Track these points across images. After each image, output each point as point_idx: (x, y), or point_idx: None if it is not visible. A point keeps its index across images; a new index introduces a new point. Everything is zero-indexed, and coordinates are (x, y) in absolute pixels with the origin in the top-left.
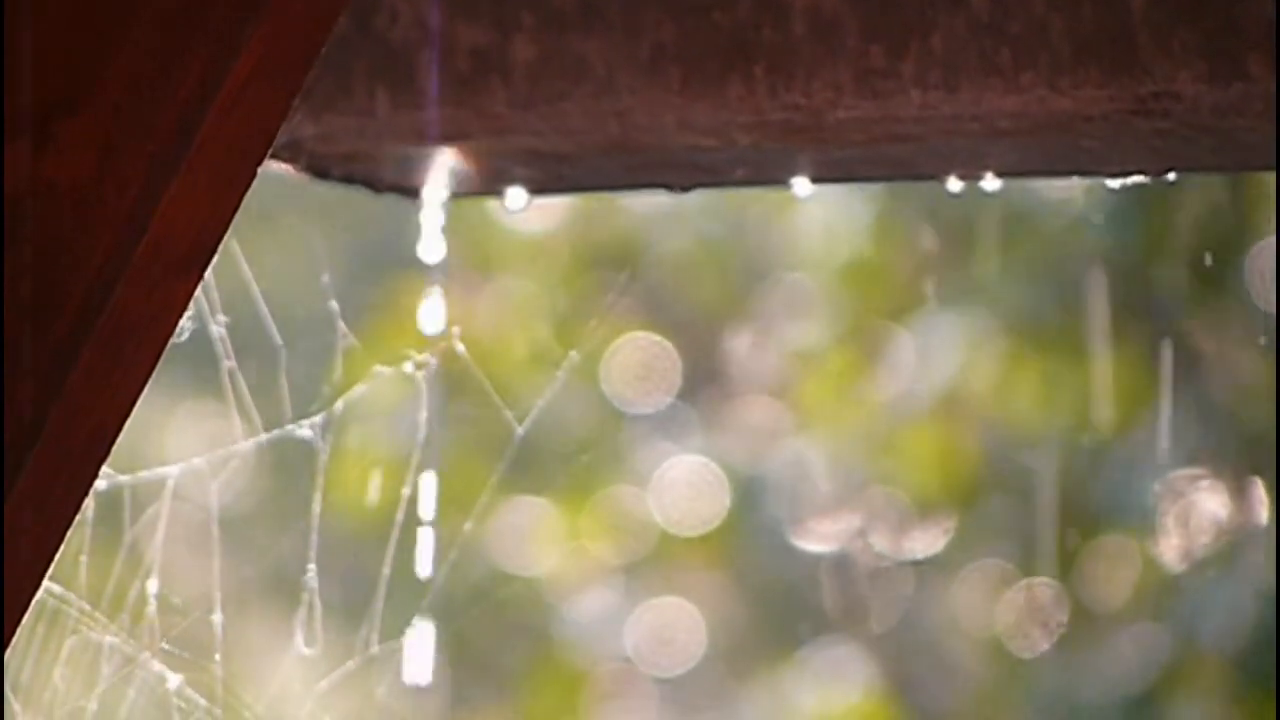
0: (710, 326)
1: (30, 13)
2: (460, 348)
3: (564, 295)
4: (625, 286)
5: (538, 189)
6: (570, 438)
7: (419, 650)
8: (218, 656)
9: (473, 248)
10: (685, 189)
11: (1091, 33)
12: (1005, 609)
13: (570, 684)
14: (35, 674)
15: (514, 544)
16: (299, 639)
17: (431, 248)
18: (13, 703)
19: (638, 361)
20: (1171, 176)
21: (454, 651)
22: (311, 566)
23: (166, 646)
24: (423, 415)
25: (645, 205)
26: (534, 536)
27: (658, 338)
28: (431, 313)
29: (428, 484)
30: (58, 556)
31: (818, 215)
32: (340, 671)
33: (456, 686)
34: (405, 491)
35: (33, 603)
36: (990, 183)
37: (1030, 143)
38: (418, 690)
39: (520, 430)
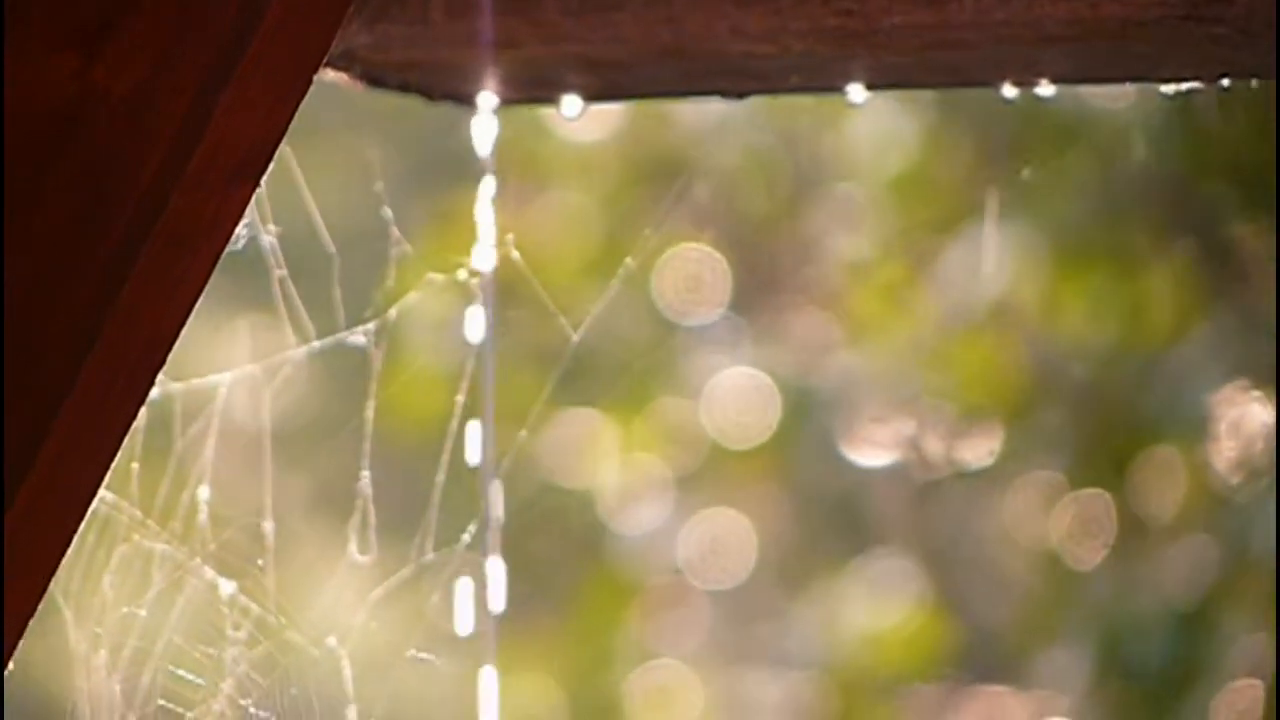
0: (761, 238)
1: None
2: (515, 254)
3: (615, 206)
4: (680, 196)
5: (592, 96)
6: (622, 350)
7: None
8: (270, 564)
9: (524, 158)
10: (739, 96)
11: None
12: (1056, 521)
13: (622, 596)
14: (85, 582)
15: (566, 456)
16: (352, 547)
17: (485, 156)
18: (63, 610)
19: (688, 273)
20: (1224, 83)
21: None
22: (365, 474)
23: (218, 554)
24: (476, 323)
25: (696, 116)
26: (585, 449)
27: (708, 249)
28: (485, 220)
29: (482, 391)
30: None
31: (867, 127)
32: (394, 579)
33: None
34: (459, 399)
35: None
36: (1043, 89)
37: (1082, 49)
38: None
39: (575, 337)
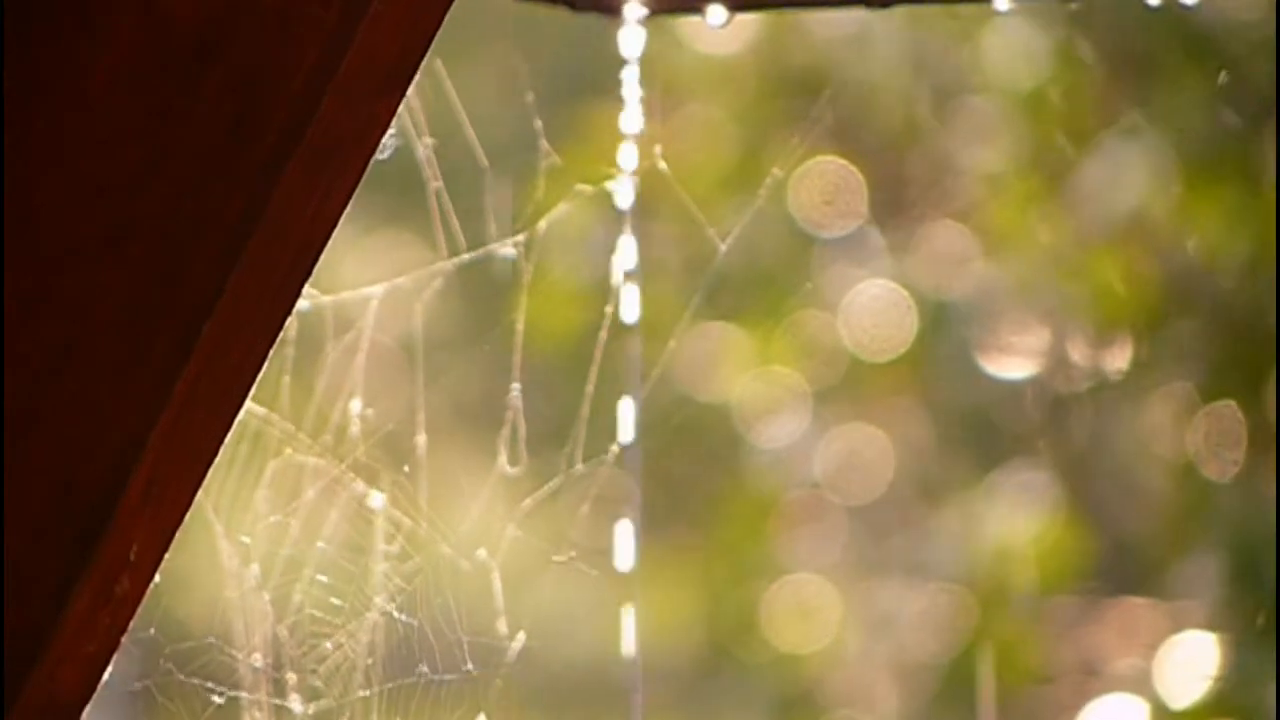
0: (896, 151)
1: None
2: (662, 165)
3: (753, 120)
4: (825, 108)
5: (737, 5)
6: (760, 262)
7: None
8: (421, 476)
9: (666, 71)
10: (883, 5)
11: None
12: (1193, 433)
13: (760, 510)
14: (237, 496)
15: (704, 370)
16: (502, 458)
17: (631, 68)
18: (214, 523)
19: (825, 186)
20: None
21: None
22: (515, 385)
23: (369, 465)
24: (625, 233)
25: (831, 31)
26: (724, 362)
27: (844, 162)
28: (632, 132)
29: (630, 302)
30: (260, 376)
31: (1000, 41)
32: (543, 491)
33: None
34: (608, 310)
35: (235, 423)
36: None
37: None
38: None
39: (723, 248)
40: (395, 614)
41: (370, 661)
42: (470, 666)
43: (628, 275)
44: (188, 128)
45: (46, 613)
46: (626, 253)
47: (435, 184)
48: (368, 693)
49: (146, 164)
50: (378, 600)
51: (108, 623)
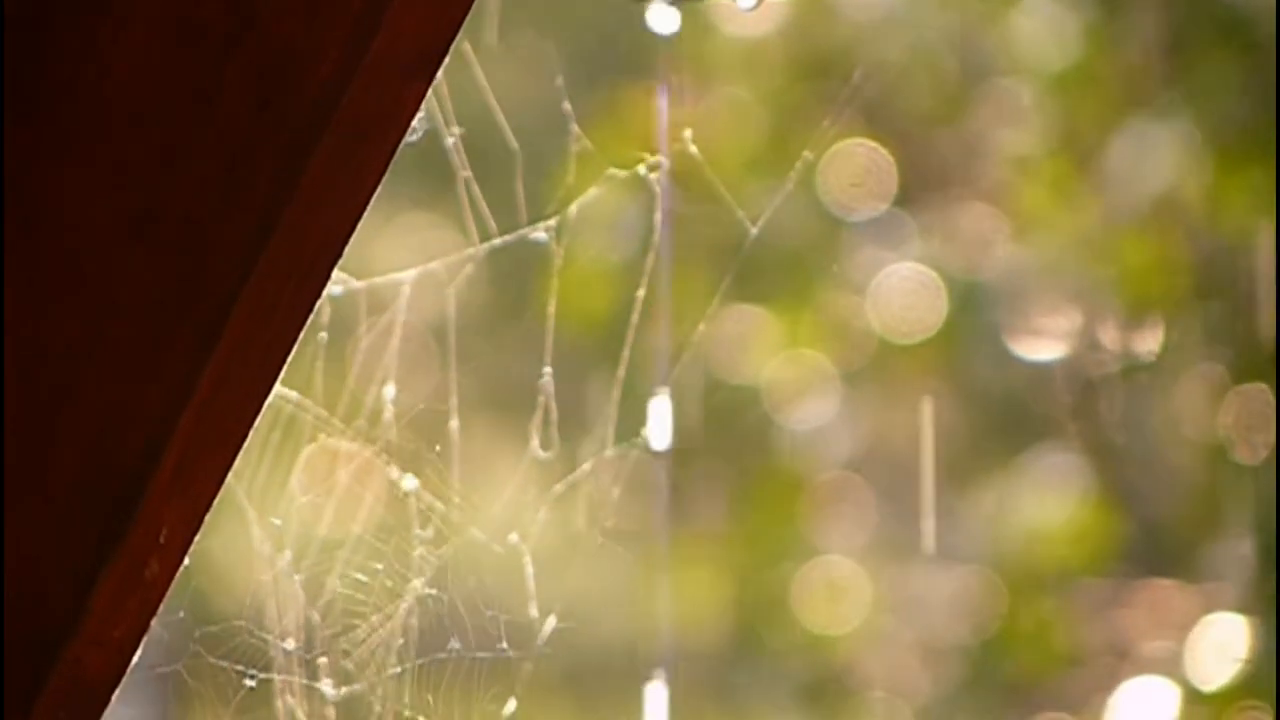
0: (926, 133)
1: None
2: (693, 149)
3: (782, 102)
4: (856, 90)
5: None
6: (789, 245)
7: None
8: (454, 461)
9: (695, 54)
10: None
11: None
12: (1224, 415)
13: (789, 492)
14: (270, 481)
15: (733, 352)
16: (534, 442)
17: (662, 50)
18: (246, 508)
19: (854, 169)
20: None
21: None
22: (547, 369)
23: (403, 449)
24: (657, 217)
25: (861, 13)
26: (753, 345)
27: (873, 144)
28: (663, 115)
29: (662, 285)
30: (292, 362)
31: (1030, 23)
32: (575, 474)
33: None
34: (639, 294)
35: (266, 408)
36: None
37: None
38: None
39: (754, 230)
40: (429, 596)
41: (403, 644)
42: (504, 646)
43: (659, 257)
44: (213, 111)
45: (75, 596)
46: (658, 235)
47: (464, 172)
48: (401, 676)
49: (172, 148)
50: (412, 584)
51: (137, 606)
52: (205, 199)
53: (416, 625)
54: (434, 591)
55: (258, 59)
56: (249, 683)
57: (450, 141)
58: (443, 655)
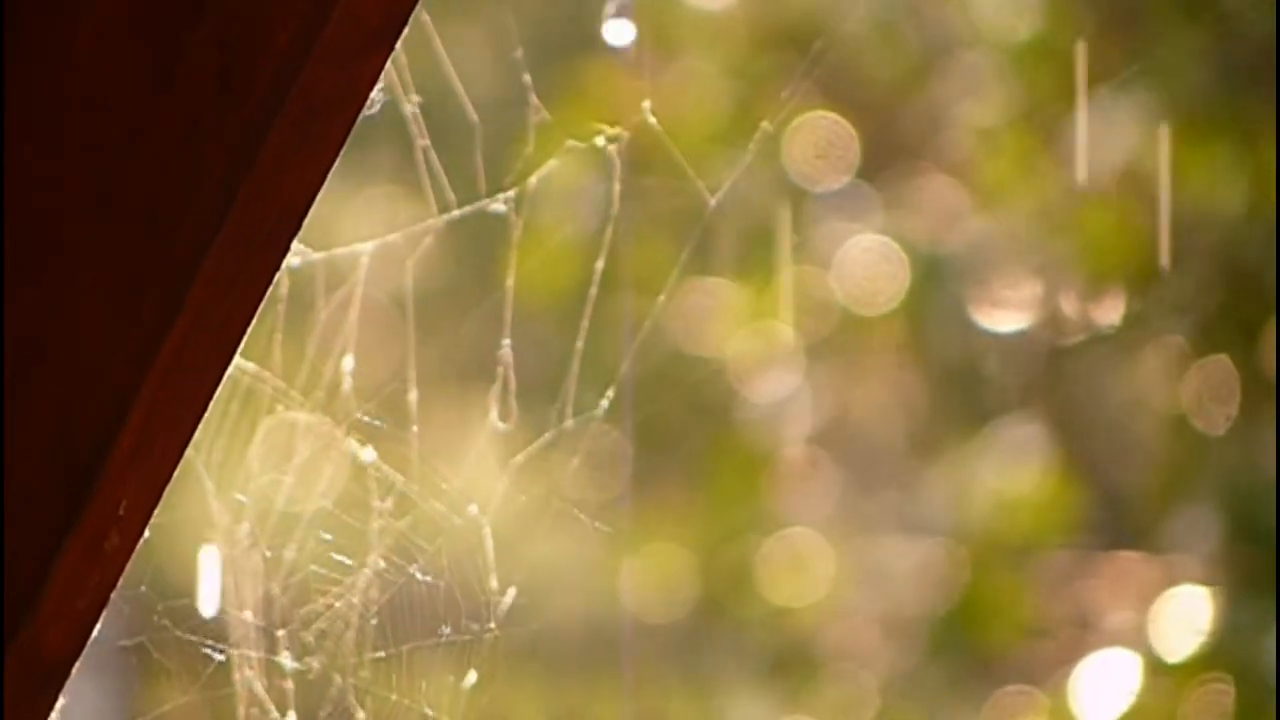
0: (888, 105)
1: None
2: (652, 120)
3: (743, 75)
4: (815, 61)
5: None
6: (752, 217)
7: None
8: (413, 433)
9: (656, 25)
10: None
11: None
12: (1186, 386)
13: (752, 465)
14: (229, 453)
15: (696, 325)
16: (494, 414)
17: (621, 23)
18: (205, 480)
19: (817, 140)
20: None
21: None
22: (506, 341)
23: (364, 419)
24: (615, 189)
25: None
26: (715, 317)
27: (836, 116)
28: (621, 87)
29: (619, 258)
30: (251, 333)
31: None
32: (535, 445)
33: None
34: (598, 266)
35: (225, 380)
36: None
37: None
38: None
39: (713, 202)
40: (388, 569)
41: (364, 618)
42: (464, 618)
43: (617, 229)
44: (172, 85)
45: (35, 569)
46: (616, 207)
47: (422, 141)
48: (361, 649)
49: (132, 122)
50: (371, 556)
51: (97, 578)
52: (166, 172)
53: (376, 597)
54: (393, 564)
55: (215, 34)
56: (218, 657)
57: (409, 110)
58: (402, 628)
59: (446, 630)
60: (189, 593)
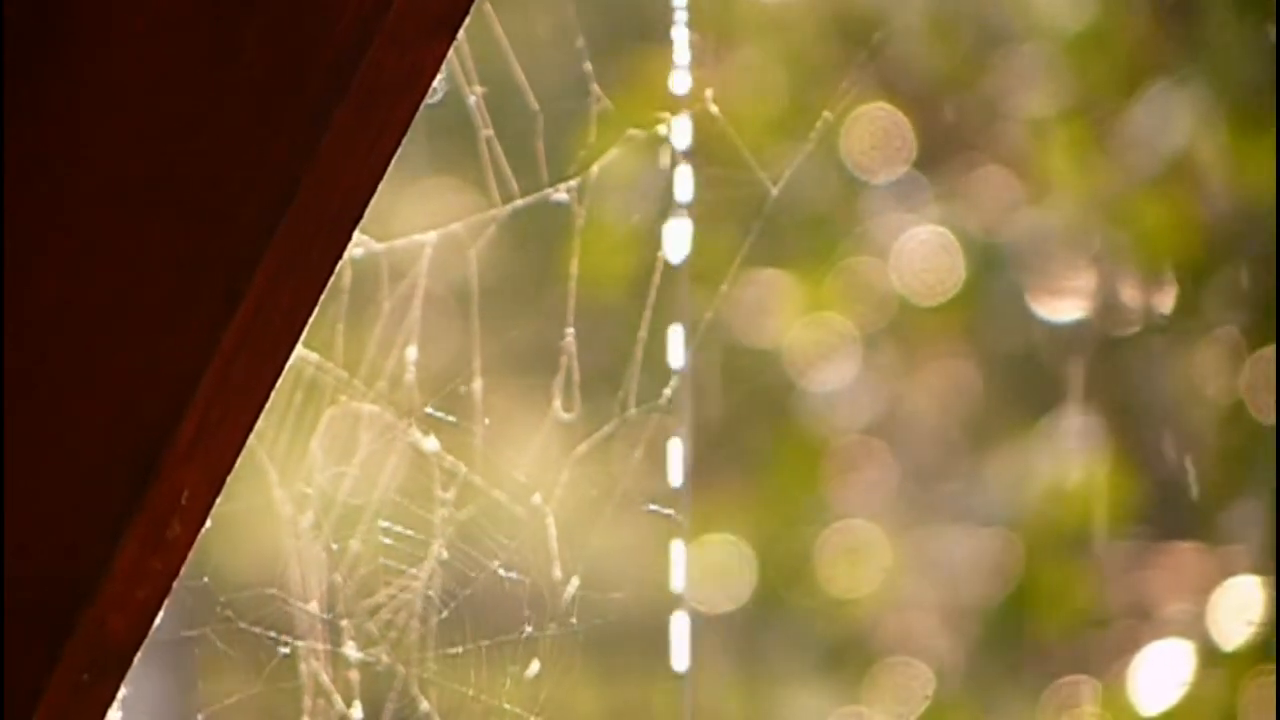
0: (944, 97)
1: None
2: (714, 109)
3: (802, 65)
4: (874, 53)
5: None
6: (809, 208)
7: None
8: (476, 423)
9: (716, 15)
10: None
11: None
12: (1241, 377)
13: (810, 455)
14: (293, 444)
15: (754, 316)
16: (557, 403)
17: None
18: (269, 470)
19: (874, 131)
20: None
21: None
22: (569, 330)
23: (429, 412)
24: (677, 177)
25: None
26: (773, 308)
27: (892, 109)
28: (683, 76)
29: (682, 246)
30: (314, 324)
31: None
32: (598, 435)
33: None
34: (660, 255)
35: (288, 370)
36: None
37: None
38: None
39: (775, 191)
40: (451, 558)
41: (427, 607)
42: (528, 612)
43: (680, 220)
44: (232, 73)
45: (97, 557)
46: (679, 197)
47: (486, 131)
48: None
49: (190, 109)
50: (434, 546)
51: (159, 568)
52: (226, 161)
53: (439, 587)
54: (458, 554)
55: (273, 22)
56: (282, 650)
57: (471, 100)
58: (465, 617)
59: (509, 620)
60: (252, 584)
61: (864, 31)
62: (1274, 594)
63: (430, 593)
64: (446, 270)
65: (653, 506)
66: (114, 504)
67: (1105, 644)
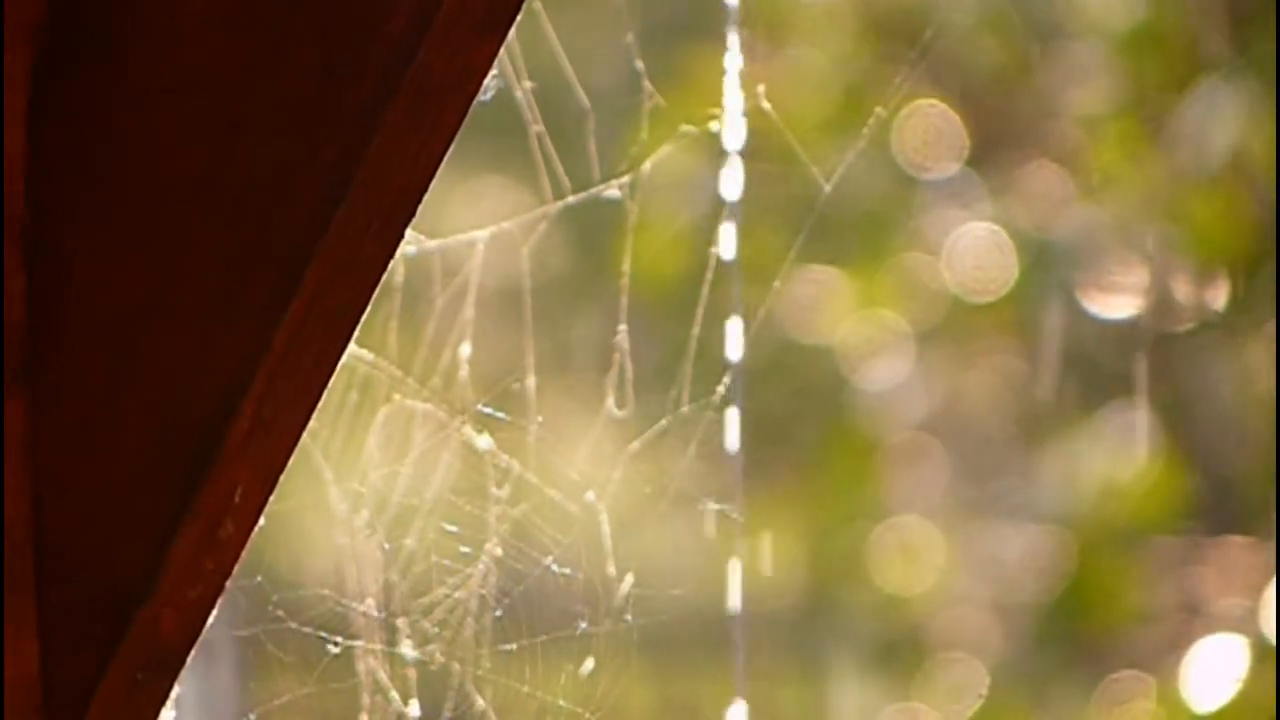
0: (996, 94)
1: None
2: (766, 106)
3: (853, 62)
4: (926, 50)
5: None
6: (862, 205)
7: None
8: (530, 419)
9: (767, 12)
10: None
11: None
12: None
13: (863, 452)
14: (347, 442)
15: (806, 313)
16: (610, 400)
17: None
18: (323, 469)
19: (927, 129)
20: None
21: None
22: (622, 327)
23: (482, 409)
24: (729, 175)
25: None
26: (826, 305)
27: (944, 105)
28: (735, 72)
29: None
30: (367, 322)
31: None
32: (652, 432)
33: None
34: (713, 251)
35: (341, 369)
36: None
37: None
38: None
39: (827, 187)
40: (505, 556)
41: (482, 604)
42: (582, 608)
43: (732, 216)
44: (282, 75)
45: (150, 555)
46: (731, 194)
47: (537, 128)
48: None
49: (241, 111)
50: (488, 543)
51: (212, 566)
52: (276, 158)
53: (494, 584)
54: (510, 551)
55: (322, 20)
56: (333, 649)
57: (522, 96)
58: (520, 614)
59: (563, 616)
60: (305, 583)
61: (916, 28)
62: None
63: (484, 590)
64: (499, 267)
65: (708, 503)
66: (167, 503)
67: (1158, 639)
